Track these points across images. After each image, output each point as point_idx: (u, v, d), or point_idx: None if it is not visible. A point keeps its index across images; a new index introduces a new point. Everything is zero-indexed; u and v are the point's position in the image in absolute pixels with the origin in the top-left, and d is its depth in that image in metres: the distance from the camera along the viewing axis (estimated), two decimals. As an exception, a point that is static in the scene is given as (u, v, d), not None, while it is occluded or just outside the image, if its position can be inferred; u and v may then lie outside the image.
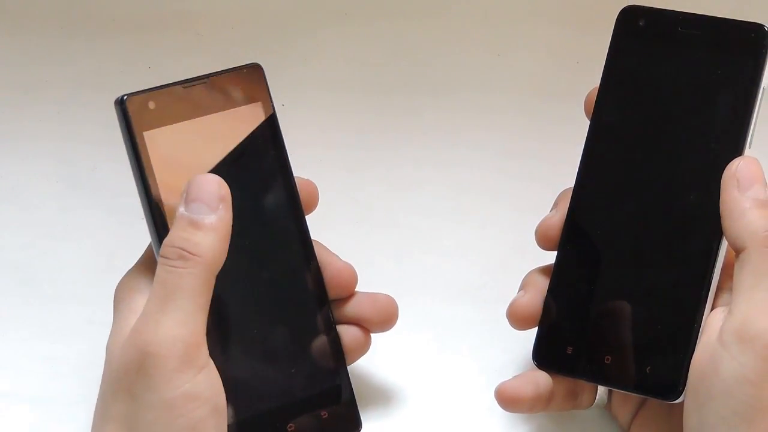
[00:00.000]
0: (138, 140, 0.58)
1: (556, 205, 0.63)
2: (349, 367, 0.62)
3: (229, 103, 0.61)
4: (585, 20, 0.82)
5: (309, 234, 0.62)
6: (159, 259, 0.56)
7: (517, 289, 0.63)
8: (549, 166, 0.77)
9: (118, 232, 0.76)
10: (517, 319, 0.63)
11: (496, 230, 0.75)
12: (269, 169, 0.61)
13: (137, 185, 0.58)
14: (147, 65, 0.84)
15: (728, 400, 0.55)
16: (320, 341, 0.62)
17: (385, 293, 0.63)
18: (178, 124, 0.59)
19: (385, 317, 0.63)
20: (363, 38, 0.85)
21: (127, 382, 0.55)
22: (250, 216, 0.61)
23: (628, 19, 0.62)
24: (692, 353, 0.58)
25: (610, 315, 0.61)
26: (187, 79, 0.60)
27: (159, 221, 0.58)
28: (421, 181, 0.80)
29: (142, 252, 0.61)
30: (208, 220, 0.56)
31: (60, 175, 0.80)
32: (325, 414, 0.61)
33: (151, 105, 0.59)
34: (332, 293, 0.63)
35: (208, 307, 0.56)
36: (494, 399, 0.61)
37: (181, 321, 0.55)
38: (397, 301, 0.63)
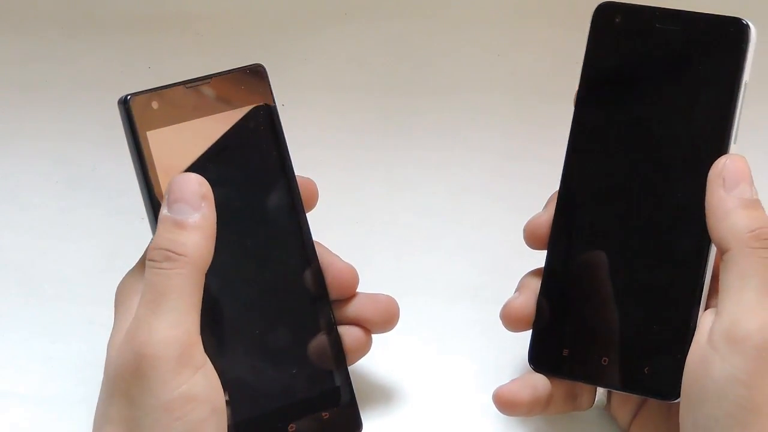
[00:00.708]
0: (141, 140, 0.58)
1: (547, 204, 0.64)
2: (349, 368, 0.62)
3: (232, 104, 0.61)
4: (585, 20, 0.82)
5: (310, 235, 0.62)
6: (147, 263, 0.56)
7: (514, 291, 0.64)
8: (549, 167, 0.77)
9: (118, 232, 0.76)
10: (510, 320, 0.63)
11: (496, 230, 0.75)
12: (271, 170, 0.62)
13: (140, 185, 0.59)
14: (147, 65, 0.84)
15: (721, 402, 0.55)
16: (321, 342, 0.62)
17: (386, 294, 0.63)
18: (181, 124, 0.59)
19: (386, 318, 0.63)
20: (363, 38, 0.85)
21: (125, 385, 0.55)
22: (253, 216, 0.61)
23: (604, 15, 0.62)
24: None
25: (604, 316, 0.61)
26: (191, 80, 0.60)
27: (161, 221, 0.58)
28: (421, 181, 0.80)
29: (143, 252, 0.61)
30: (191, 219, 0.56)
31: (60, 175, 0.80)
32: (326, 414, 0.61)
33: (155, 105, 0.59)
34: (333, 294, 0.63)
35: (200, 306, 0.56)
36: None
37: (174, 322, 0.55)
38: (397, 302, 0.63)
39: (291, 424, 0.60)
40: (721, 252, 0.57)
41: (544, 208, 0.63)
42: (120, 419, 0.55)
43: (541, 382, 0.61)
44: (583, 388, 0.63)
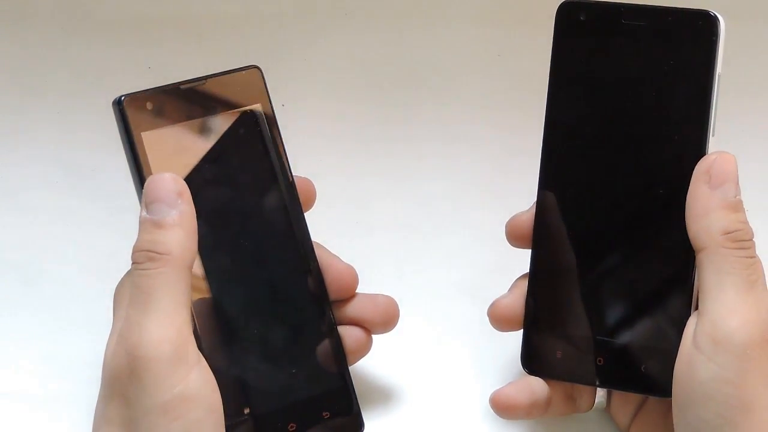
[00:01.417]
0: (136, 141, 0.58)
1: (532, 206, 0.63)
2: (349, 368, 0.62)
3: (227, 105, 0.61)
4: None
5: (309, 235, 0.62)
6: (131, 266, 0.56)
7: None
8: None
9: (118, 232, 0.75)
10: (497, 319, 0.63)
11: (496, 230, 0.75)
12: (268, 171, 0.61)
13: (135, 186, 0.58)
14: (147, 65, 0.84)
15: (710, 403, 0.55)
16: (322, 342, 0.61)
17: (385, 294, 0.63)
18: (176, 125, 0.59)
19: (386, 318, 0.63)
20: (363, 38, 0.85)
21: (121, 387, 0.55)
22: (251, 217, 0.61)
23: (567, 14, 0.61)
24: None
25: (596, 316, 0.60)
26: (186, 81, 0.60)
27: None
28: (421, 181, 0.80)
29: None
30: (169, 217, 0.56)
31: (60, 175, 0.80)
32: (326, 414, 0.61)
33: (149, 106, 0.58)
34: (333, 294, 0.63)
35: (189, 303, 0.56)
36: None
37: (164, 321, 0.55)
38: (397, 302, 0.63)
39: (291, 424, 0.60)
40: (696, 249, 0.57)
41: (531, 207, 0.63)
42: (119, 420, 0.55)
43: (538, 385, 0.61)
44: (582, 389, 0.63)
